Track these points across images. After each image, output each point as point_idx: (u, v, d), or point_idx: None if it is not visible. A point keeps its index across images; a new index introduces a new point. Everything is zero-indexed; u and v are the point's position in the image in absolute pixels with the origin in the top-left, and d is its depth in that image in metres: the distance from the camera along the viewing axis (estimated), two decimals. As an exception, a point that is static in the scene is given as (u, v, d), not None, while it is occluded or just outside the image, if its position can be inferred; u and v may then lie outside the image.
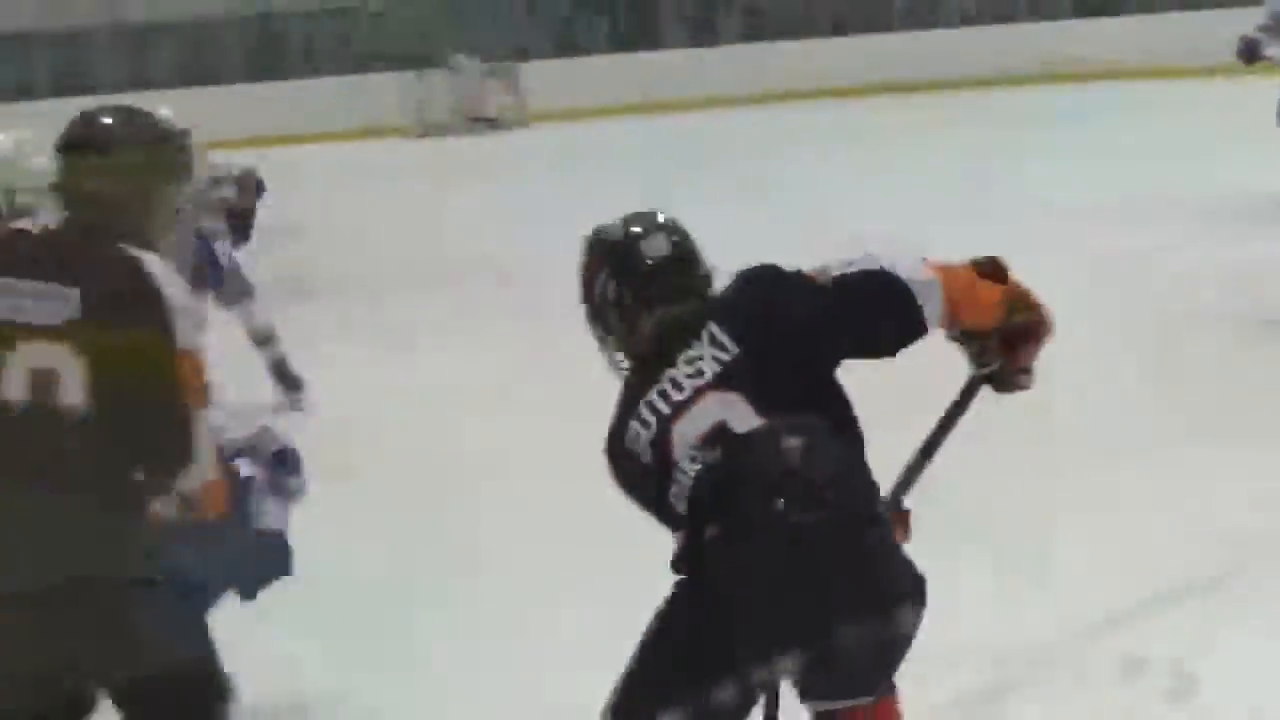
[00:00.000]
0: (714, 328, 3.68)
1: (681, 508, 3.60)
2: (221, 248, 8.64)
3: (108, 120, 3.64)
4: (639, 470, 3.70)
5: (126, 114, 3.69)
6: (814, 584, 3.43)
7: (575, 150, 18.69)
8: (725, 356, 3.65)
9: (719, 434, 3.58)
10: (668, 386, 3.66)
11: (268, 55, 23.74)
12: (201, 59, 23.30)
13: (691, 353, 3.67)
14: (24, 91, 21.74)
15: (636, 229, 3.84)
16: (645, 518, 3.74)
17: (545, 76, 22.72)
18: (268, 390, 8.72)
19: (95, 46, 23.00)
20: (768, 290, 3.78)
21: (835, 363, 3.72)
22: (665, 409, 3.65)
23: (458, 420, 7.98)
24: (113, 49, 23.15)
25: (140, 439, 3.43)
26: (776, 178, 15.19)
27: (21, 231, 3.55)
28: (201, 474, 3.48)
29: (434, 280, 11.80)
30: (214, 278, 8.51)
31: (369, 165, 18.43)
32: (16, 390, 3.38)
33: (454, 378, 8.92)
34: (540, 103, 22.39)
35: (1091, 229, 11.75)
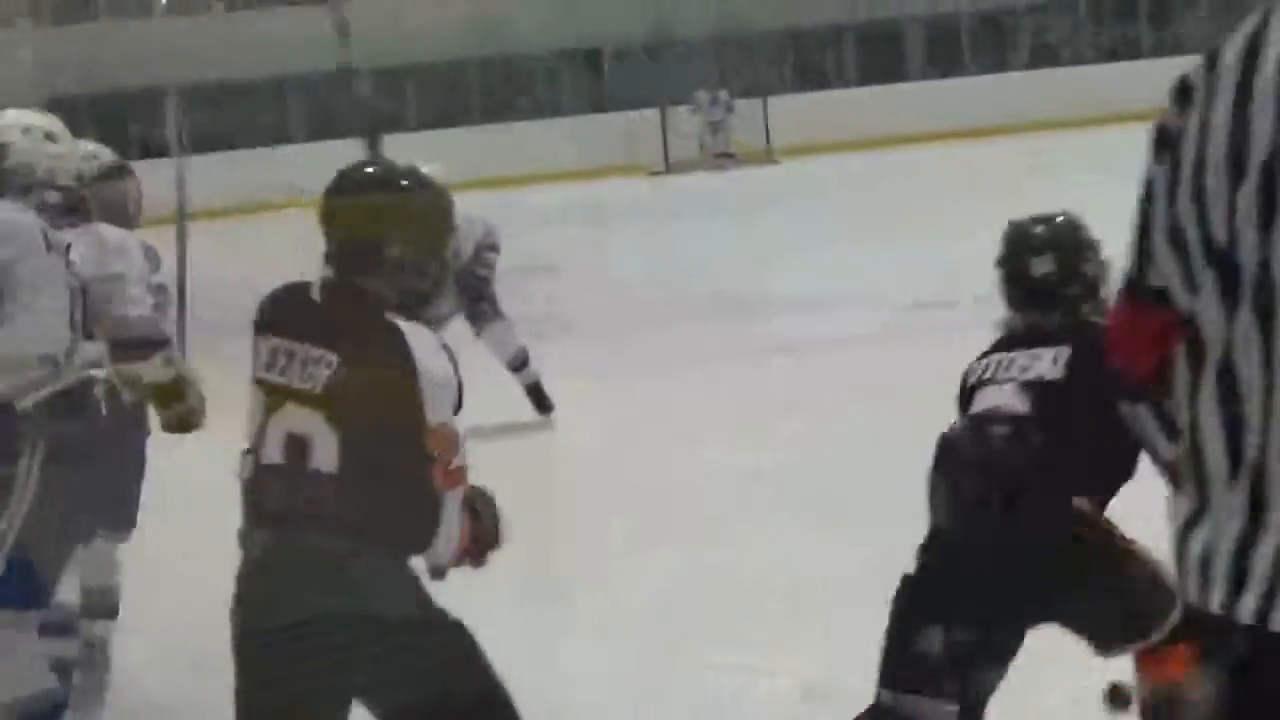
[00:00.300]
0: (1049, 350, 3.95)
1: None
2: (469, 279, 8.84)
3: (378, 177, 3.59)
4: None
5: (392, 170, 3.62)
6: (977, 560, 3.72)
7: (822, 185, 18.58)
8: (1043, 375, 3.92)
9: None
10: (982, 364, 4.06)
11: (509, 96, 23.99)
12: (443, 100, 23.59)
13: (1013, 355, 4.00)
14: (281, 137, 22.25)
15: (1028, 238, 4.18)
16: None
17: (791, 111, 22.65)
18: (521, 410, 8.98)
19: (337, 91, 23.41)
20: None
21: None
22: (972, 381, 4.06)
23: (700, 454, 7.91)
24: (360, 92, 23.55)
25: (384, 510, 3.37)
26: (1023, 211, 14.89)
27: (301, 288, 3.49)
28: (447, 550, 3.41)
29: (677, 316, 11.76)
30: (468, 307, 8.89)
31: (613, 203, 18.47)
32: (273, 453, 3.39)
33: (699, 412, 8.86)
34: (786, 137, 22.32)
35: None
